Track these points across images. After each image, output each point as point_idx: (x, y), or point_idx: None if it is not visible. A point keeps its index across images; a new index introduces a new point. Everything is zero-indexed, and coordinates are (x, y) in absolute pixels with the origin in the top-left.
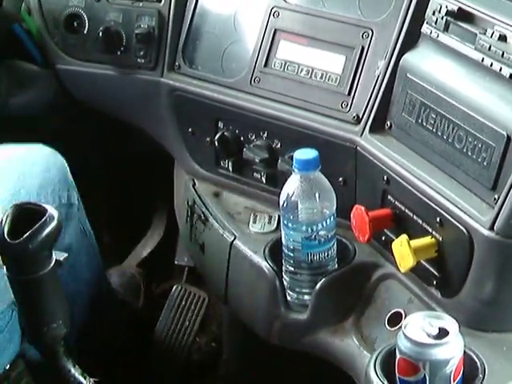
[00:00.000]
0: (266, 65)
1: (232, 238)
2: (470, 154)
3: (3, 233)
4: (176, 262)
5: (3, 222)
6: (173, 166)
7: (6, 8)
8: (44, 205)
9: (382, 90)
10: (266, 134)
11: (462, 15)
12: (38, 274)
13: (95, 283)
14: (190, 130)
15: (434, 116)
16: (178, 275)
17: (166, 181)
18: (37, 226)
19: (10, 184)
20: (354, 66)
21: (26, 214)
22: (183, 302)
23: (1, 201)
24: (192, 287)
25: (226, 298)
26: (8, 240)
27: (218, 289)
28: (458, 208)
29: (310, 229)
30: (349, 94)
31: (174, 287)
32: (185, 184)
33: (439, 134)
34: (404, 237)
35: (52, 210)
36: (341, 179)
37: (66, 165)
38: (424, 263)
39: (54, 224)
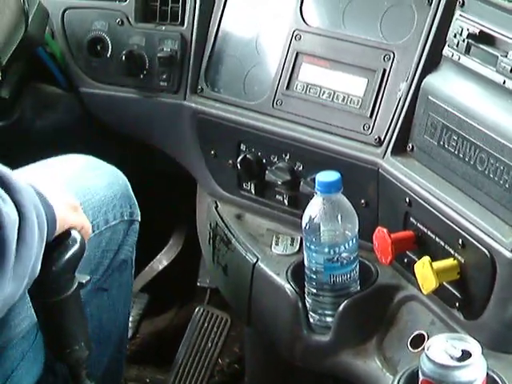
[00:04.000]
0: (288, 87)
1: (255, 260)
2: (491, 176)
3: None
4: (198, 284)
5: None
6: (194, 187)
7: (31, 32)
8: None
9: (403, 112)
10: (288, 157)
11: (484, 38)
12: (60, 296)
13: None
14: (212, 152)
15: (455, 138)
16: (200, 297)
17: (187, 202)
18: (60, 248)
19: (76, 197)
20: (376, 89)
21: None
22: (206, 324)
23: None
24: (214, 309)
25: (248, 320)
26: None
27: (241, 310)
28: (480, 230)
29: (332, 251)
30: (371, 116)
31: (197, 309)
32: (207, 206)
33: (461, 156)
34: (426, 259)
35: (75, 233)
36: (363, 201)
37: (128, 182)
38: (446, 285)
39: (77, 247)
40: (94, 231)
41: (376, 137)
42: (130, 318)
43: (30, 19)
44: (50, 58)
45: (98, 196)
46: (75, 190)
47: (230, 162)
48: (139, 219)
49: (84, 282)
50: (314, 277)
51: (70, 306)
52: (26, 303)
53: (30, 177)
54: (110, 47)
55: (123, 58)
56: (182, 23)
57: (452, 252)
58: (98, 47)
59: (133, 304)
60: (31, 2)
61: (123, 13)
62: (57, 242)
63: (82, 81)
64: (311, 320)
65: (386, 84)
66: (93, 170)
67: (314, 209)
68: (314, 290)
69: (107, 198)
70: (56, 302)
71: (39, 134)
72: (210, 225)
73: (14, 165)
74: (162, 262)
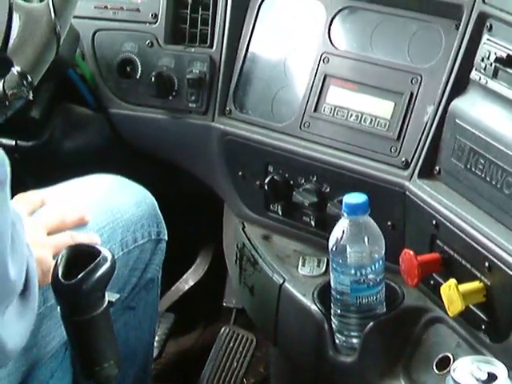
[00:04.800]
0: (315, 110)
1: (281, 281)
2: None
3: (58, 274)
4: (224, 304)
5: (58, 263)
6: (221, 207)
7: (61, 53)
8: (98, 246)
9: (430, 135)
10: (315, 178)
11: (511, 62)
12: (90, 314)
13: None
14: (240, 173)
15: (482, 162)
16: (226, 317)
17: (214, 222)
18: (90, 267)
19: (104, 216)
20: (403, 112)
21: (80, 256)
22: (231, 344)
23: (98, 232)
24: (240, 329)
25: (274, 340)
26: (62, 281)
27: (267, 331)
28: (507, 253)
29: (358, 272)
30: (398, 138)
31: (222, 329)
32: (234, 227)
33: (488, 179)
34: (453, 281)
35: (106, 252)
36: (389, 223)
37: (155, 201)
38: (472, 307)
39: (107, 266)
40: (122, 249)
41: (403, 159)
42: (156, 338)
43: (61, 41)
44: (80, 79)
45: (126, 215)
46: (104, 208)
47: (258, 183)
48: (166, 238)
49: (114, 300)
50: (341, 298)
51: (101, 324)
52: (56, 322)
53: (57, 195)
54: (140, 69)
55: (152, 79)
56: (211, 45)
57: (478, 275)
58: (128, 69)
59: (159, 323)
60: (63, 24)
61: (153, 35)
62: (87, 261)
63: (111, 102)
64: (337, 341)
65: (413, 107)
66: (121, 190)
67: (341, 230)
68: (340, 312)
69: (135, 217)
70: (86, 320)
71: (69, 154)
72: (237, 245)
73: (44, 184)
74: (188, 281)
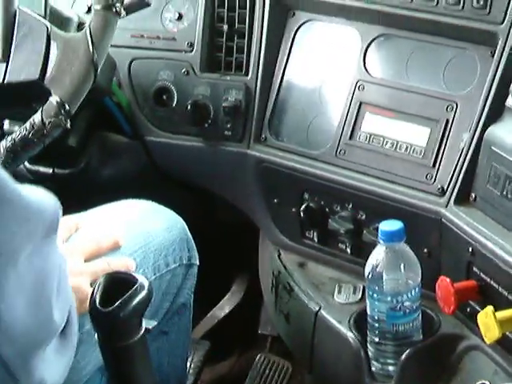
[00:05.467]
0: (351, 137)
1: (317, 309)
2: None
3: (95, 301)
4: (259, 332)
5: (95, 291)
6: (257, 234)
7: (98, 82)
8: (134, 274)
9: (466, 162)
10: (351, 206)
11: None
12: (127, 341)
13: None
14: (275, 200)
15: None
16: (261, 344)
17: (249, 249)
18: (128, 294)
19: (137, 240)
20: (439, 139)
21: (117, 283)
22: (267, 371)
23: (131, 256)
24: (275, 356)
25: (310, 367)
26: (100, 308)
27: (303, 358)
28: None
29: (395, 300)
30: (433, 166)
31: (258, 356)
32: (270, 254)
33: None
34: (489, 308)
35: (142, 279)
36: (426, 250)
37: (186, 226)
38: (509, 335)
39: (144, 293)
40: (154, 274)
41: (439, 186)
42: (192, 365)
43: (98, 70)
44: (117, 108)
45: (158, 239)
46: (136, 233)
47: (293, 210)
48: (197, 263)
49: (151, 327)
50: (377, 325)
51: (138, 351)
52: (91, 347)
53: (91, 220)
54: (176, 97)
55: (188, 107)
56: (247, 73)
57: None
58: (164, 97)
59: (194, 351)
60: (100, 53)
61: (189, 63)
62: (125, 288)
63: (147, 130)
64: (373, 368)
65: (448, 134)
66: (153, 215)
67: (377, 258)
68: (377, 339)
69: (167, 242)
70: (124, 347)
71: (104, 181)
72: (273, 273)
73: (80, 210)
74: (223, 309)
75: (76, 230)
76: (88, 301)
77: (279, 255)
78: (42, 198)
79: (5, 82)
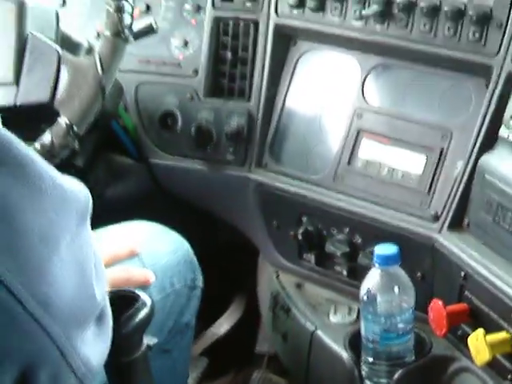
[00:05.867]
0: (349, 163)
1: (313, 328)
2: None
3: None
4: (257, 350)
5: None
6: (256, 255)
7: (106, 105)
8: (137, 291)
9: (460, 189)
10: (347, 229)
11: None
12: (129, 357)
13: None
14: (274, 223)
15: (510, 215)
16: (258, 362)
17: (249, 269)
18: (130, 311)
19: (145, 260)
20: (434, 166)
21: (121, 300)
22: None
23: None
24: (272, 375)
25: None
26: None
27: (299, 376)
28: None
29: (388, 321)
30: (428, 192)
31: (255, 374)
32: (268, 275)
33: None
34: (480, 331)
35: (145, 297)
36: (419, 274)
37: (191, 249)
38: (499, 357)
39: (146, 310)
40: (160, 293)
41: (433, 212)
42: (190, 381)
43: (106, 94)
44: (123, 131)
45: (163, 261)
46: (143, 254)
47: (292, 233)
48: (201, 285)
49: (152, 344)
50: (371, 346)
51: (140, 367)
52: None
53: (99, 241)
54: (180, 121)
55: (192, 131)
56: (249, 99)
57: (505, 325)
58: (169, 121)
59: (192, 367)
60: (108, 78)
61: (193, 88)
62: (126, 305)
63: (152, 152)
64: None
65: (443, 162)
66: (159, 237)
67: (372, 280)
68: (371, 359)
69: (172, 264)
70: (126, 363)
71: (110, 201)
72: (271, 293)
73: None
74: (222, 327)
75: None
76: None
77: (277, 276)
78: (74, 186)
79: (16, 103)
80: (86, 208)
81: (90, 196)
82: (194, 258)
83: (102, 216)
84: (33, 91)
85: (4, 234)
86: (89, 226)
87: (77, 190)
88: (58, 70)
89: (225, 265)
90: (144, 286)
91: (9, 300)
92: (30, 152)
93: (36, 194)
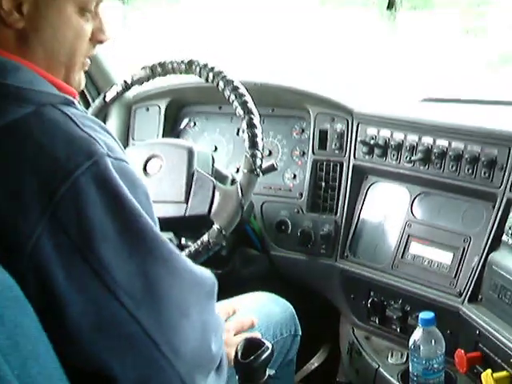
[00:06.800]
0: (402, 257)
1: (377, 366)
2: None
3: (238, 356)
4: (337, 379)
5: (238, 349)
6: (339, 315)
7: (243, 216)
8: (263, 339)
9: (476, 275)
10: (400, 301)
11: None
12: (257, 383)
13: None
14: (352, 295)
15: (509, 294)
16: None
17: (333, 325)
18: (258, 352)
19: (263, 319)
20: (458, 260)
21: (252, 345)
22: None
23: (257, 328)
24: None
25: None
26: (241, 360)
27: None
28: None
29: (427, 363)
30: (455, 277)
31: None
32: (347, 329)
33: None
34: (489, 371)
35: (268, 343)
36: (448, 331)
37: (294, 310)
38: None
39: (268, 352)
40: (273, 339)
41: (458, 290)
42: None
43: (244, 209)
44: (253, 232)
45: (276, 318)
46: (262, 314)
47: (363, 302)
48: (300, 334)
49: (272, 374)
50: (415, 379)
51: None
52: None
53: (233, 305)
54: (290, 227)
55: (298, 234)
56: (336, 214)
57: (506, 367)
58: (283, 227)
59: None
60: (246, 199)
61: (299, 206)
62: (256, 348)
63: (271, 247)
64: None
65: (465, 257)
66: (273, 302)
67: (417, 335)
68: None
69: (281, 320)
70: None
71: (243, 279)
72: (349, 341)
73: (227, 296)
74: (315, 363)
75: (233, 312)
76: (233, 359)
77: (353, 330)
78: (202, 270)
79: (186, 215)
80: (212, 289)
81: (216, 280)
82: (296, 316)
83: (238, 288)
84: (196, 207)
85: (151, 300)
86: (214, 301)
87: (205, 276)
88: (213, 194)
89: (318, 320)
90: (264, 335)
91: (148, 343)
92: (176, 251)
93: (177, 279)
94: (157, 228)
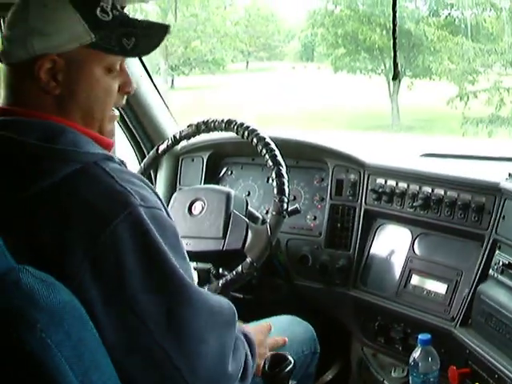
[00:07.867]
0: (404, 287)
1: (382, 379)
2: None
3: (265, 367)
4: None
5: (266, 362)
6: (349, 335)
7: (272, 250)
8: (286, 354)
9: (467, 303)
10: (403, 324)
11: (511, 266)
12: None
13: None
14: (362, 318)
15: (495, 320)
16: None
17: (343, 343)
18: (283, 365)
19: (290, 338)
20: (452, 290)
21: (278, 359)
22: None
23: (285, 347)
24: None
25: None
26: (268, 372)
27: None
28: (507, 370)
29: (425, 377)
30: (449, 304)
31: None
32: (356, 347)
33: (497, 329)
34: None
35: (290, 358)
36: (443, 350)
37: (314, 331)
38: None
39: (291, 366)
40: (296, 355)
41: (451, 316)
42: None
43: (273, 244)
44: (279, 263)
45: (299, 338)
46: (288, 333)
47: (371, 324)
48: (319, 351)
49: None
50: None
51: None
52: None
53: (260, 329)
54: (311, 261)
55: (317, 266)
56: (349, 249)
57: (491, 381)
58: (304, 260)
59: None
60: (273, 236)
61: (318, 243)
62: (281, 362)
63: (294, 277)
64: None
65: (458, 288)
66: (295, 324)
67: (416, 354)
68: None
69: (303, 339)
70: None
71: (270, 303)
72: (358, 358)
73: (255, 319)
74: (329, 376)
75: (270, 329)
76: (261, 369)
77: (362, 348)
78: (221, 302)
79: (223, 249)
80: (230, 317)
81: (235, 308)
82: (315, 336)
83: (266, 312)
84: (232, 243)
85: (174, 330)
86: (233, 327)
87: (224, 307)
88: (247, 232)
89: (332, 341)
90: (289, 351)
91: (168, 364)
92: (198, 289)
93: (196, 312)
94: (186, 264)
